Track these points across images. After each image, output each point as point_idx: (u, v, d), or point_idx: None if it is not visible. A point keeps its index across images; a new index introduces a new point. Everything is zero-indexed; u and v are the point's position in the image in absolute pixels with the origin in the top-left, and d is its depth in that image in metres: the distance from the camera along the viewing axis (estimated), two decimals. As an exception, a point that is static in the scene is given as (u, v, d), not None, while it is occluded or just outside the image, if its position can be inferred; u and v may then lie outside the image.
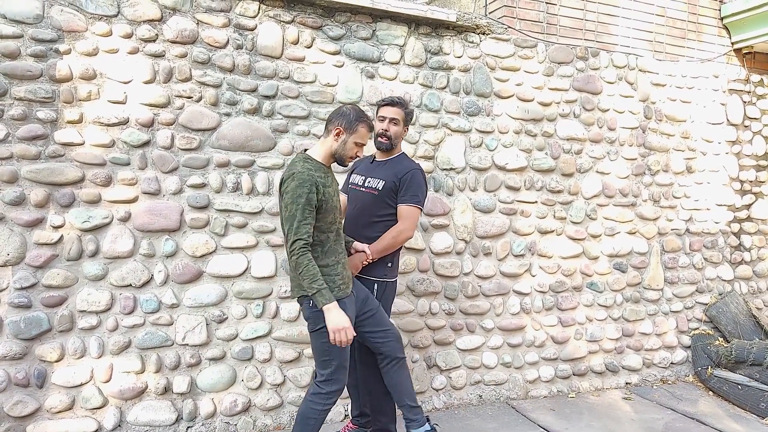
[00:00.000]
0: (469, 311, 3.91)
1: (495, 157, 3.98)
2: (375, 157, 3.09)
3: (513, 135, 4.04)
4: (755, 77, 4.96)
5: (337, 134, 2.56)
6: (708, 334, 4.61)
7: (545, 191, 4.15)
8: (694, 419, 3.73)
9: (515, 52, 4.05)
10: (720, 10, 4.78)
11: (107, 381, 3.04)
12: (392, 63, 3.71)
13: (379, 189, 2.91)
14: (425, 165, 3.77)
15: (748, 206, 4.96)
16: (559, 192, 4.19)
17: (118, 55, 3.09)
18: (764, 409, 3.78)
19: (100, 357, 3.03)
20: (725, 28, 4.82)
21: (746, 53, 4.89)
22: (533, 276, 4.12)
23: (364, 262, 2.81)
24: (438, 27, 3.83)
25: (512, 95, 4.03)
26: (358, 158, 2.68)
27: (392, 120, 2.94)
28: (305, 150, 2.63)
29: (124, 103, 3.10)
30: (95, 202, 3.04)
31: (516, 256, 4.06)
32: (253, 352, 3.35)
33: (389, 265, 2.95)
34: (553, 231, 4.17)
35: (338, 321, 2.40)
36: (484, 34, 3.96)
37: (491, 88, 3.97)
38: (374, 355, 2.86)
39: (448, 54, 3.86)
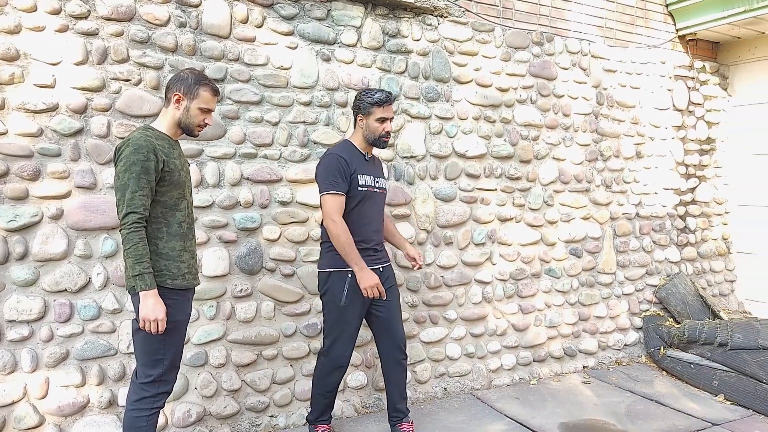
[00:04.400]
0: (432, 303, 3.80)
1: (455, 144, 3.87)
2: (365, 154, 2.94)
3: (472, 121, 3.94)
4: (698, 64, 5.09)
5: (177, 101, 2.34)
6: (658, 315, 4.72)
7: (504, 178, 4.09)
8: (652, 400, 3.79)
9: (473, 36, 3.94)
10: (666, -4, 4.86)
11: (43, 397, 2.72)
12: (349, 45, 3.51)
13: (386, 189, 3.03)
14: (385, 153, 3.61)
15: (693, 189, 5.11)
16: (517, 179, 4.13)
17: (45, 34, 2.74)
18: (717, 386, 3.89)
19: (34, 371, 2.70)
20: (671, 15, 4.91)
21: (690, 40, 5.00)
22: (494, 264, 4.06)
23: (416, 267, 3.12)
24: (395, 8, 3.66)
25: (471, 80, 3.93)
26: (208, 126, 2.44)
27: (392, 119, 2.92)
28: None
29: (53, 87, 2.76)
30: (22, 198, 2.69)
31: (477, 244, 3.98)
32: (207, 356, 3.10)
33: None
34: (512, 218, 4.12)
35: (153, 310, 2.14)
36: (441, 16, 3.82)
37: (450, 73, 3.85)
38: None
39: (407, 37, 3.70)
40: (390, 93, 2.89)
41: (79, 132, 2.82)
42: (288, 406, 3.31)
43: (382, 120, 2.84)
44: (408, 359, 3.05)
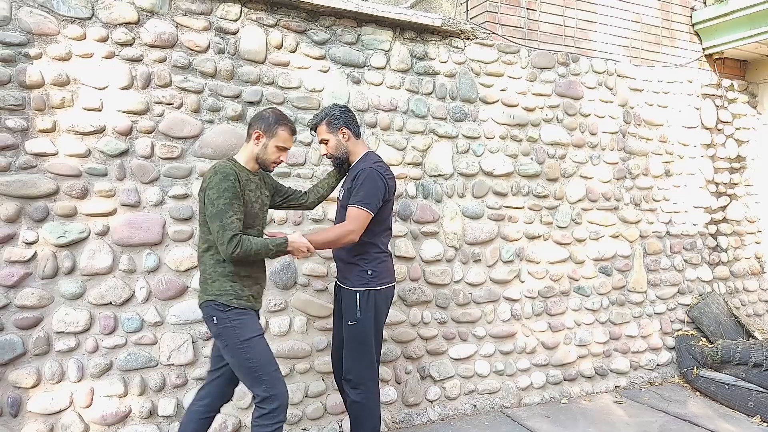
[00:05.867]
0: (460, 319, 3.83)
1: (482, 162, 3.93)
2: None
3: (499, 140, 4.01)
4: (726, 82, 5.09)
5: (257, 138, 2.49)
6: (691, 334, 4.66)
7: (531, 196, 4.13)
8: (686, 420, 3.73)
9: (499, 57, 4.03)
10: (691, 17, 4.89)
11: (88, 406, 2.83)
12: (378, 68, 3.64)
13: (341, 199, 2.85)
14: (413, 172, 3.70)
15: (724, 208, 5.06)
16: (545, 197, 4.17)
17: (93, 60, 2.92)
18: (753, 408, 3.81)
19: (80, 381, 2.82)
20: (696, 34, 4.93)
21: (717, 59, 5.01)
22: (522, 282, 4.08)
23: (304, 253, 2.52)
24: (423, 32, 3.78)
25: (497, 100, 4.01)
26: (282, 163, 2.63)
27: (322, 141, 2.86)
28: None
29: (100, 111, 2.93)
30: (71, 215, 2.84)
31: (505, 262, 4.01)
32: (242, 369, 3.18)
33: (369, 273, 2.78)
34: (540, 236, 4.15)
35: (298, 246, 2.44)
36: (468, 39, 3.93)
37: (476, 94, 3.94)
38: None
39: (434, 59, 3.81)
40: (313, 117, 2.88)
41: (124, 153, 2.97)
42: (320, 420, 3.36)
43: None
44: (353, 388, 2.82)
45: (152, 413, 2.96)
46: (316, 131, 2.88)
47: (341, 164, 2.90)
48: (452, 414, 3.73)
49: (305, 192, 2.92)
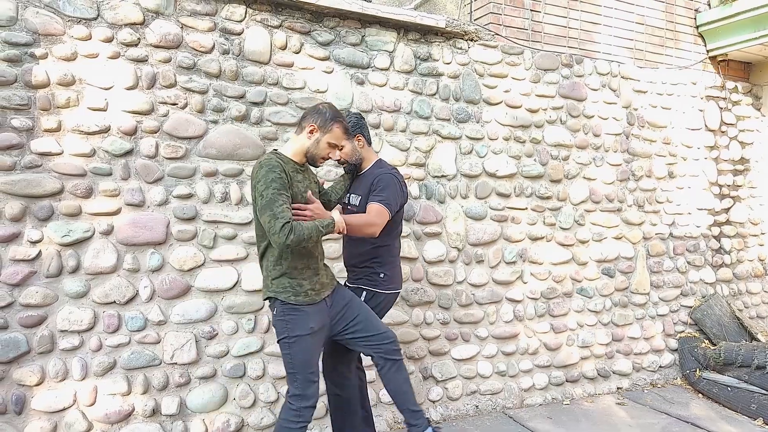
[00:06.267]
0: (463, 320, 3.84)
1: (485, 163, 3.94)
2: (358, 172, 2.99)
3: (502, 141, 4.02)
4: (730, 84, 5.08)
5: (311, 131, 2.46)
6: (694, 336, 4.65)
7: (535, 197, 4.13)
8: (689, 423, 3.73)
9: (503, 58, 4.03)
10: (695, 18, 4.89)
11: (92, 404, 2.85)
12: (382, 69, 3.65)
13: (357, 205, 2.84)
14: (416, 173, 3.71)
15: (727, 210, 5.06)
16: (548, 198, 4.17)
17: (99, 60, 2.94)
18: (755, 410, 3.81)
19: (84, 379, 2.84)
20: (701, 36, 4.93)
21: (721, 61, 5.00)
22: (525, 283, 4.08)
23: (341, 233, 2.53)
24: (427, 33, 3.79)
25: (501, 102, 4.01)
26: (330, 159, 2.58)
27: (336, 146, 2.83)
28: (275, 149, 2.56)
29: (105, 111, 2.94)
30: (75, 214, 2.86)
31: (508, 263, 4.02)
32: (245, 369, 3.20)
33: (381, 276, 2.85)
34: (543, 237, 4.15)
35: (338, 221, 2.44)
36: (472, 40, 3.94)
37: (480, 95, 3.94)
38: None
39: (438, 60, 3.82)
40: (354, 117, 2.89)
41: (129, 153, 2.98)
42: (323, 419, 3.36)
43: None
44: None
45: (155, 412, 2.97)
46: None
47: (353, 170, 2.93)
48: (454, 414, 3.73)
49: (327, 191, 2.92)
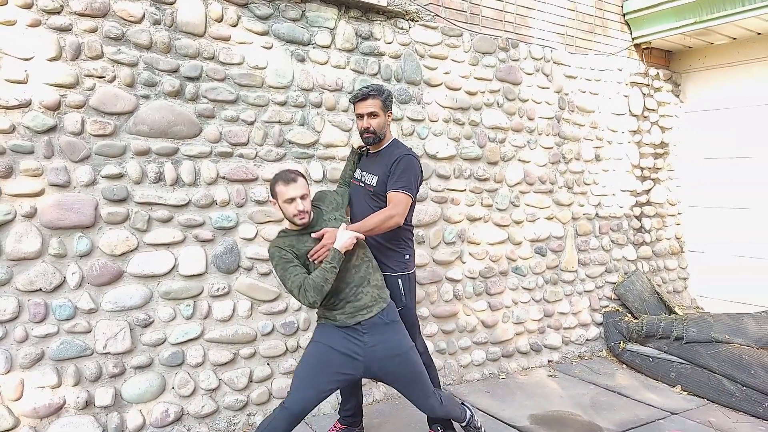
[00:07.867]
0: (404, 301, 3.87)
1: (426, 145, 3.96)
2: (369, 150, 2.94)
3: (443, 123, 4.05)
4: (653, 71, 5.36)
5: (274, 205, 2.60)
6: (618, 311, 4.93)
7: (473, 179, 4.21)
8: (615, 392, 3.97)
9: (443, 40, 4.05)
10: (623, 6, 5.09)
11: (18, 399, 2.65)
12: (323, 47, 3.56)
13: (374, 185, 2.78)
14: (359, 153, 3.67)
15: (648, 191, 5.36)
16: (485, 180, 4.26)
17: (17, 28, 2.69)
18: (674, 378, 4.10)
19: (9, 372, 2.63)
20: (627, 24, 5.15)
21: (645, 48, 5.26)
22: (464, 263, 4.17)
23: (355, 243, 2.54)
24: (368, 11, 3.73)
25: (441, 83, 4.04)
26: (306, 214, 2.50)
27: (371, 114, 2.76)
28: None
29: (26, 83, 2.71)
30: (-7, 196, 2.63)
31: (448, 243, 4.08)
32: (184, 356, 3.08)
33: (407, 257, 2.86)
34: (481, 218, 4.25)
35: (347, 239, 2.47)
36: (413, 20, 3.92)
37: (421, 76, 3.95)
38: None
39: (379, 39, 3.78)
40: (366, 88, 2.81)
41: (52, 129, 2.77)
42: (266, 404, 3.31)
43: (359, 116, 2.82)
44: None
45: (88, 404, 2.81)
46: (363, 102, 2.76)
47: (372, 143, 2.84)
48: (396, 393, 3.77)
49: (342, 184, 3.02)
